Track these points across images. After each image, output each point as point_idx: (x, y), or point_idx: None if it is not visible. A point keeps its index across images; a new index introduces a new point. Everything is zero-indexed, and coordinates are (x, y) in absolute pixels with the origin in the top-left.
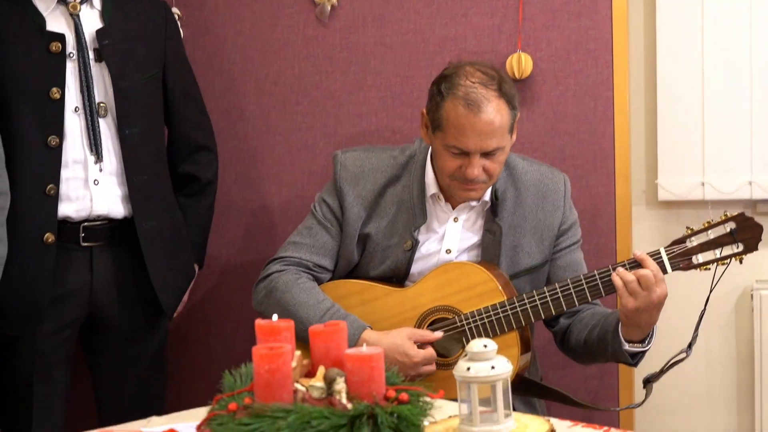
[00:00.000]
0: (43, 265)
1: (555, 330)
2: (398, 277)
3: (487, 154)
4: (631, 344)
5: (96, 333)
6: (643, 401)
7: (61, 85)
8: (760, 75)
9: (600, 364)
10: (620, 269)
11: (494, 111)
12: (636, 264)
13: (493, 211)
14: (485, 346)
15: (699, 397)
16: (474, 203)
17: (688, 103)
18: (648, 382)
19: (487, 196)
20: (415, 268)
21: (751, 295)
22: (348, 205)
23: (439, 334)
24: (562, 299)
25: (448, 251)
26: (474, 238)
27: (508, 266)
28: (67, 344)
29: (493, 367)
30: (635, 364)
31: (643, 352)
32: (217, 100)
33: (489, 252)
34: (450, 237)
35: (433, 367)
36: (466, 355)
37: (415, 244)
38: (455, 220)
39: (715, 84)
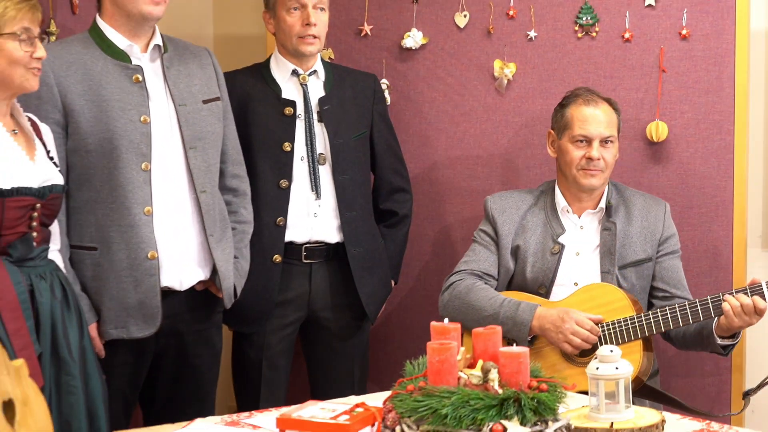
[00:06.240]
0: (271, 278)
1: None
2: (546, 280)
3: (603, 143)
4: (721, 339)
5: (312, 331)
6: (741, 411)
7: (291, 140)
8: None
9: (715, 375)
10: (730, 299)
11: (605, 107)
12: (744, 290)
13: (608, 214)
14: (611, 351)
15: None
16: (593, 211)
17: None
18: (746, 395)
19: (603, 204)
20: (558, 271)
21: None
22: (500, 228)
23: (600, 317)
24: (679, 316)
25: (577, 254)
26: (595, 240)
27: (619, 258)
28: (289, 339)
29: (617, 368)
30: (726, 354)
31: (733, 345)
32: (413, 151)
33: (606, 245)
34: (578, 242)
35: (594, 337)
36: (596, 358)
37: (561, 248)
38: (581, 228)
39: None
